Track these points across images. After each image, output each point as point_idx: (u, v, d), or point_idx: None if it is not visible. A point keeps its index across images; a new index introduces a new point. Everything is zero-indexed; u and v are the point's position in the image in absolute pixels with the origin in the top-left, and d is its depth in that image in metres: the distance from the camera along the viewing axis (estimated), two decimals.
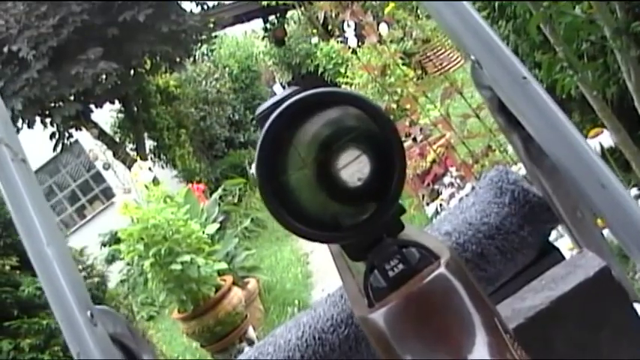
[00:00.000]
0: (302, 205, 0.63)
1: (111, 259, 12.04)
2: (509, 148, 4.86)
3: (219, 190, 11.60)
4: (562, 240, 2.52)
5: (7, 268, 6.38)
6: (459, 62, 13.50)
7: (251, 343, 6.46)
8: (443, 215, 1.00)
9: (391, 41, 8.01)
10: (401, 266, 0.61)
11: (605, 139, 3.96)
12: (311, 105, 0.61)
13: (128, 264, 10.54)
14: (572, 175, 0.72)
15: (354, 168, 0.63)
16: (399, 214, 0.64)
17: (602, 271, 0.84)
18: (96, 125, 15.67)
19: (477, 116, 4.91)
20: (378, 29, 6.31)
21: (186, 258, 6.21)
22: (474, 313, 0.57)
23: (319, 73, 16.49)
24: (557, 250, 0.97)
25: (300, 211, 0.62)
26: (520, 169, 3.95)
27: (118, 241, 6.62)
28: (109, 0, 13.70)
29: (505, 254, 0.93)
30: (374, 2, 11.05)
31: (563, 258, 0.96)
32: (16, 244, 6.12)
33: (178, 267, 6.16)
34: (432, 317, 0.58)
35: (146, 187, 7.27)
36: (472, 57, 0.77)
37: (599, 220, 0.85)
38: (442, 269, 0.59)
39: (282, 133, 0.60)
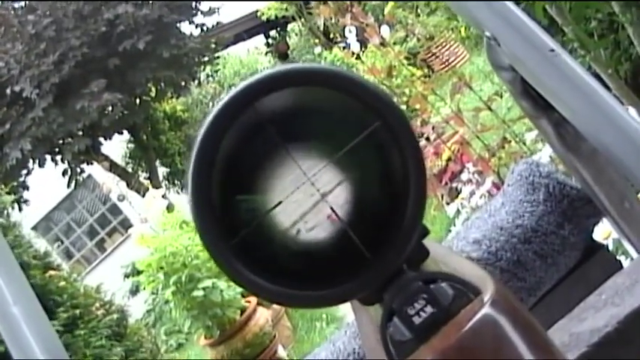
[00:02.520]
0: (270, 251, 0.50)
1: (135, 290, 12.05)
2: (527, 138, 4.77)
3: None
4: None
5: None
6: (465, 57, 13.38)
7: None
8: (470, 221, 0.87)
9: (394, 43, 7.93)
10: (429, 309, 0.43)
11: (633, 116, 3.84)
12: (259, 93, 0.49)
13: (153, 293, 10.51)
14: (619, 158, 0.59)
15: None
16: (420, 237, 0.47)
17: None
18: (107, 158, 15.66)
19: (489, 108, 4.82)
20: (379, 31, 6.22)
21: (208, 283, 6.13)
22: None
23: None
24: (605, 247, 0.85)
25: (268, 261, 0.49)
26: (540, 159, 3.83)
27: (139, 272, 6.55)
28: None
29: (545, 259, 0.81)
30: (374, 2, 10.98)
31: (613, 256, 0.83)
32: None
33: (200, 293, 6.08)
34: None
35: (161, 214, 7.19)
36: (487, 33, 0.64)
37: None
38: (487, 309, 0.42)
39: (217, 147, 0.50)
